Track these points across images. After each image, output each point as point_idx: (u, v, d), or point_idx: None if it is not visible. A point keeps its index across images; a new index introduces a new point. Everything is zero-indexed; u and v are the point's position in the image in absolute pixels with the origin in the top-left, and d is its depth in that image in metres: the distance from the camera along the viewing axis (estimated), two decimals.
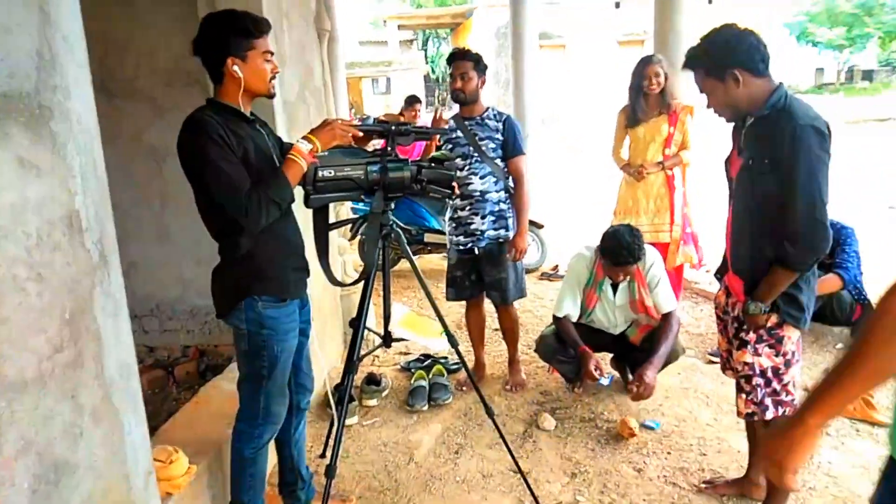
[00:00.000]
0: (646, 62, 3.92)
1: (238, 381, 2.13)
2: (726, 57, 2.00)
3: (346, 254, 4.31)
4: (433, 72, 29.55)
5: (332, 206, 2.37)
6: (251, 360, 2.05)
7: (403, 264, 5.59)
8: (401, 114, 6.79)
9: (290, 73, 3.21)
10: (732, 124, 2.24)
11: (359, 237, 5.90)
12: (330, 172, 2.03)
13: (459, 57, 3.21)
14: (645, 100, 3.95)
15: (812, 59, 28.55)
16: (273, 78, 2.01)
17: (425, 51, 30.42)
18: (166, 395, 3.50)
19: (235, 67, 1.90)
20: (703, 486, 2.55)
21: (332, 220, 2.32)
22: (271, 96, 2.06)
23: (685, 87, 4.65)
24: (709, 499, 2.49)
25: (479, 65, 3.22)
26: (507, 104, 15.19)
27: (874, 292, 3.92)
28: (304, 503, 2.42)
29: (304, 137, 1.98)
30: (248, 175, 1.87)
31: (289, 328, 2.07)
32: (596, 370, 3.02)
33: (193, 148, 1.85)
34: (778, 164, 1.91)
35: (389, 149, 2.19)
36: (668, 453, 2.82)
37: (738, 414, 2.21)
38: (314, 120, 3.42)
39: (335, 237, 4.01)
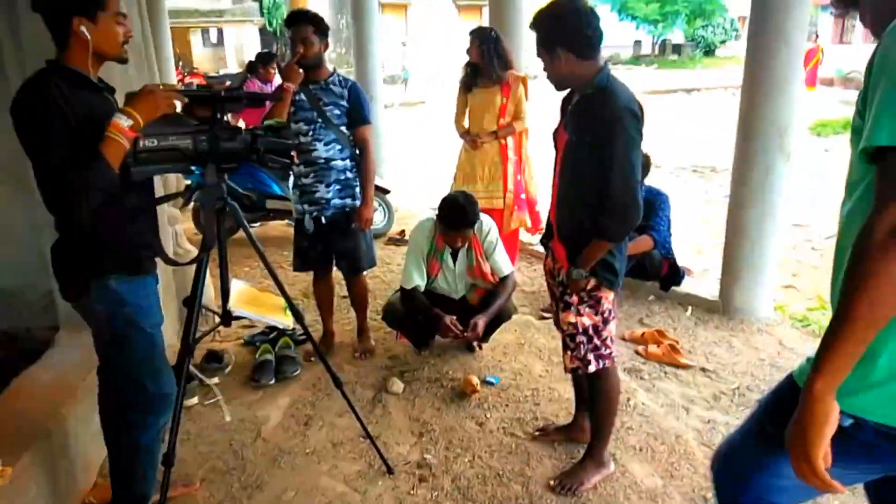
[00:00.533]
0: (471, 34, 4.11)
1: (106, 369, 2.00)
2: (552, 34, 2.13)
3: (177, 224, 4.03)
4: (270, 24, 27.94)
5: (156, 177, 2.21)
6: (122, 344, 1.92)
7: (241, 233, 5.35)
8: (254, 71, 6.42)
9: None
10: (562, 96, 2.39)
11: (192, 204, 5.56)
12: (152, 142, 1.86)
13: (299, 20, 3.07)
14: (474, 70, 4.12)
15: (631, 32, 31.02)
16: (126, 42, 1.85)
17: (260, 2, 28.64)
18: None
19: (83, 28, 1.73)
20: (537, 433, 2.79)
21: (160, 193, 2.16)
22: (123, 61, 1.90)
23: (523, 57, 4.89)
24: (542, 445, 2.72)
25: (319, 28, 3.11)
26: (350, 63, 14.86)
27: (680, 251, 4.45)
28: None
29: (122, 111, 1.75)
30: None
31: (150, 303, 1.96)
32: (453, 326, 3.17)
33: (31, 117, 1.68)
34: (597, 143, 2.08)
35: (219, 116, 2.07)
36: (507, 405, 3.03)
37: (565, 369, 2.43)
38: (134, 80, 3.11)
39: (164, 207, 3.73)
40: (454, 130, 4.42)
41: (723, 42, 30.49)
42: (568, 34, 2.11)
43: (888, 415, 1.12)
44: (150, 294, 1.97)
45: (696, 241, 5.60)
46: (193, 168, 2.15)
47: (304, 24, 3.06)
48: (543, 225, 4.83)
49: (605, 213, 2.12)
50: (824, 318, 3.92)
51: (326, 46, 3.18)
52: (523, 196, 4.36)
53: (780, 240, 3.93)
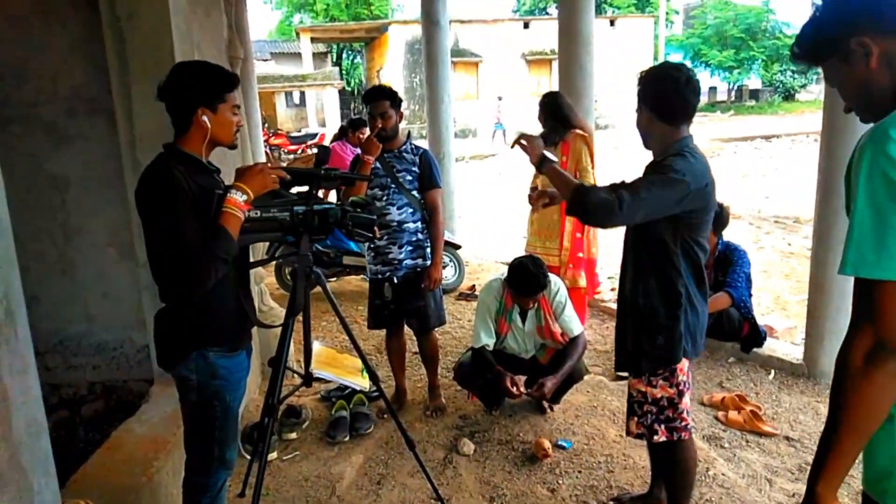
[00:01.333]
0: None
1: (186, 432, 2.09)
2: (643, 91, 2.22)
3: (262, 282, 4.26)
4: (348, 84, 29.42)
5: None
6: (202, 410, 2.01)
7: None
8: (344, 135, 6.77)
9: None
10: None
11: (274, 261, 5.85)
12: (255, 213, 2.03)
13: (376, 97, 3.29)
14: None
15: (705, 79, 30.68)
16: (237, 131, 2.03)
17: (339, 64, 30.26)
18: (74, 437, 3.34)
19: (205, 118, 1.90)
20: (611, 503, 2.72)
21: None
22: (234, 147, 2.08)
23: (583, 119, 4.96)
24: None
25: (395, 101, 3.32)
26: (424, 119, 15.29)
27: (762, 307, 4.30)
28: None
29: (236, 187, 1.91)
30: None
31: (241, 377, 2.07)
32: (513, 386, 3.17)
33: (157, 200, 1.83)
34: None
35: (315, 192, 2.23)
36: (579, 472, 2.98)
37: (628, 433, 2.38)
38: (232, 153, 3.39)
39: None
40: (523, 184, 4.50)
41: (803, 86, 29.67)
42: (656, 95, 2.18)
43: None
44: (242, 369, 2.08)
45: (778, 296, 5.39)
46: (285, 237, 2.30)
47: (382, 99, 3.27)
48: (602, 286, 4.81)
49: None
50: None
51: (401, 117, 3.38)
52: (580, 255, 4.31)
53: None
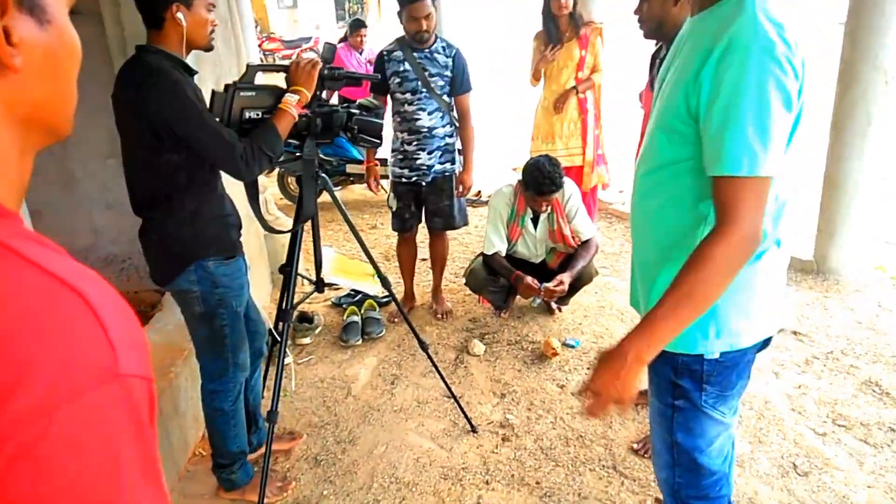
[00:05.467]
0: None
1: (196, 343, 2.12)
2: None
3: (266, 191, 4.21)
4: None
5: None
6: (210, 321, 2.03)
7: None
8: (345, 38, 6.49)
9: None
10: (650, 56, 2.31)
11: (276, 170, 5.76)
12: (256, 114, 1.95)
13: None
14: (555, 23, 3.98)
15: None
16: (213, 31, 1.93)
17: None
18: None
19: (180, 14, 1.79)
20: None
21: None
22: (209, 49, 1.97)
23: (590, 11, 4.71)
24: (625, 408, 2.73)
25: None
26: None
27: None
28: (255, 446, 2.49)
29: (291, 90, 1.96)
30: None
31: (242, 283, 2.08)
32: (532, 286, 3.18)
33: (171, 101, 1.76)
34: None
35: (318, 93, 2.13)
36: (587, 369, 3.05)
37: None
38: (222, 53, 3.24)
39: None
40: (529, 86, 4.34)
41: None
42: None
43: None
44: (242, 275, 2.08)
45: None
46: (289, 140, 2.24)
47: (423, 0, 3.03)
48: (614, 182, 4.75)
49: None
50: None
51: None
52: (601, 152, 4.27)
53: (883, 194, 3.67)
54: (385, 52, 3.21)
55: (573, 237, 3.33)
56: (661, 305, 1.18)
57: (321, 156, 5.49)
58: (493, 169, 6.80)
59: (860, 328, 3.24)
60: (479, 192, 5.83)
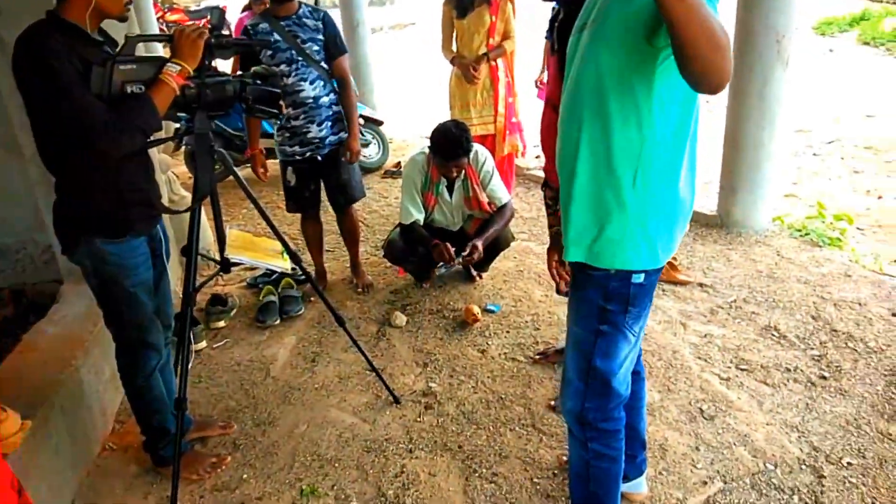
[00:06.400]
0: None
1: (103, 318, 2.09)
2: None
3: (169, 170, 4.00)
4: None
5: None
6: (105, 296, 2.02)
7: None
8: (249, 6, 6.17)
9: None
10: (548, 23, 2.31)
11: (184, 148, 5.50)
12: (139, 88, 1.83)
13: None
14: None
15: None
16: (128, 6, 1.85)
17: None
18: None
19: None
20: (538, 357, 2.86)
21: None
22: (123, 19, 1.87)
23: None
24: (543, 368, 2.80)
25: None
26: None
27: None
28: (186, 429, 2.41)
29: (172, 60, 1.84)
30: None
31: (136, 262, 2.00)
32: (447, 253, 3.19)
33: (37, 70, 1.67)
34: None
35: (207, 62, 2.01)
36: (507, 332, 3.10)
37: (558, 292, 2.43)
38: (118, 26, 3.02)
39: (154, 153, 3.69)
40: (441, 53, 4.30)
41: None
42: None
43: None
44: (136, 255, 1.99)
45: None
46: (179, 114, 2.11)
47: None
48: (530, 149, 4.80)
49: None
50: (823, 226, 3.93)
51: None
52: (514, 120, 4.29)
53: (780, 150, 3.86)
54: (250, 27, 3.06)
55: (489, 203, 3.34)
56: None
57: (231, 131, 5.30)
58: (412, 139, 6.75)
59: (761, 277, 3.42)
60: (399, 163, 5.77)
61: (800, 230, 3.91)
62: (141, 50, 2.27)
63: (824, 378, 2.61)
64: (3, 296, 3.44)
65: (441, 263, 3.38)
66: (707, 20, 1.08)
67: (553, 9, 2.44)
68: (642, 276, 1.51)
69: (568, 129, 1.52)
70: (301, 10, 3.08)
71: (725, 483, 2.12)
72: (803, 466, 2.17)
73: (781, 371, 2.67)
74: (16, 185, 3.26)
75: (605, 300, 1.54)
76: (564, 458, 2.24)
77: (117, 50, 1.92)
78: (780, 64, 3.57)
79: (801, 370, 2.66)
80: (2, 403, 1.97)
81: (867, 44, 9.57)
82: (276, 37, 3.01)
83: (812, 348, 2.81)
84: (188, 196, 3.93)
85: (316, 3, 3.24)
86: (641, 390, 1.97)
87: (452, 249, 3.20)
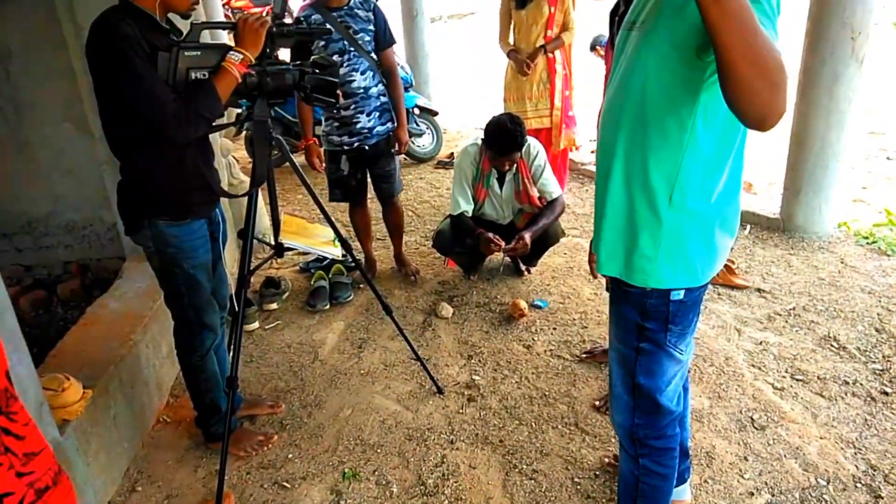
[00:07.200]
0: None
1: (164, 297, 2.17)
2: None
3: (230, 154, 4.11)
4: None
5: None
6: (166, 277, 2.09)
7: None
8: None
9: None
10: (609, 11, 2.27)
11: (244, 132, 5.64)
12: (203, 74, 1.89)
13: None
14: None
15: None
16: (196, 2, 1.93)
17: None
18: (52, 316, 3.35)
19: None
20: (584, 355, 2.82)
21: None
22: (187, 16, 1.96)
23: None
24: (589, 367, 2.77)
25: None
26: None
27: None
28: (235, 407, 2.49)
29: (235, 49, 1.90)
30: None
31: (196, 245, 2.06)
32: (494, 242, 3.15)
33: (109, 54, 1.74)
34: None
35: (269, 51, 2.06)
36: (554, 328, 3.07)
37: (608, 289, 2.40)
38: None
39: (217, 138, 3.80)
40: (498, 44, 4.27)
41: None
42: None
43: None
44: (196, 237, 2.05)
45: (757, 152, 5.34)
46: (241, 101, 2.17)
47: None
48: (583, 143, 4.74)
49: None
50: (892, 234, 3.74)
51: None
52: (571, 113, 4.24)
53: (849, 152, 3.69)
54: (302, 18, 3.08)
55: (539, 198, 3.31)
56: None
57: (290, 118, 5.40)
58: (466, 130, 6.74)
59: (822, 285, 3.29)
60: (452, 153, 5.77)
61: (866, 237, 3.74)
62: (206, 37, 2.33)
63: (886, 394, 2.49)
64: (70, 269, 3.62)
65: (488, 258, 3.37)
66: (749, 32, 0.98)
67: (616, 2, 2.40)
68: (682, 292, 1.43)
69: (608, 126, 1.45)
70: (353, 2, 3.10)
71: (773, 496, 2.06)
72: (858, 485, 2.08)
73: (839, 384, 2.57)
74: (84, 164, 3.41)
75: (642, 318, 1.47)
76: (606, 460, 2.22)
77: (182, 36, 1.99)
78: (855, 62, 3.40)
79: (861, 384, 2.55)
80: (66, 373, 2.08)
81: None
82: (328, 27, 3.04)
83: (874, 361, 2.68)
84: (247, 180, 4.04)
85: None
86: (685, 399, 1.91)
87: (502, 242, 3.18)
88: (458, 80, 9.32)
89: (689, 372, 2.66)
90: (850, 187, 4.22)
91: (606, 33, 3.06)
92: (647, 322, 1.47)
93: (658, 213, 1.36)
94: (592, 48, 5.60)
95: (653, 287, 1.42)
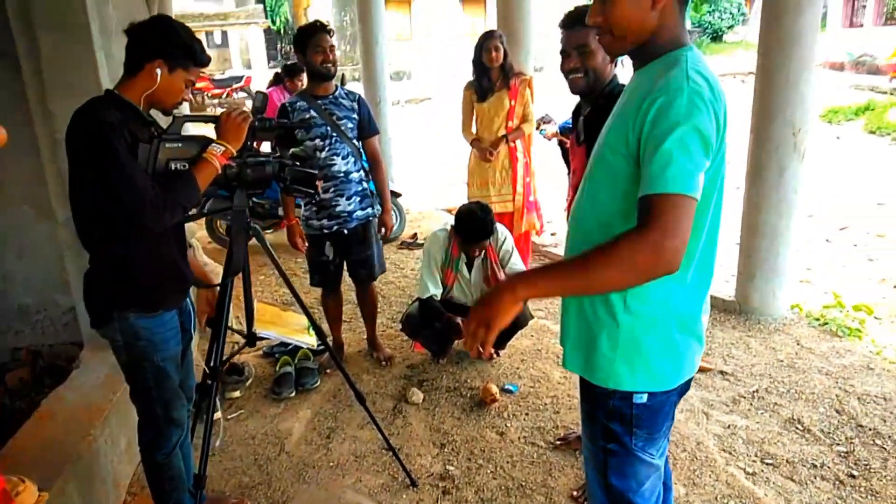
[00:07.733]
0: (486, 37, 4.08)
1: (129, 392, 2.07)
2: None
3: (192, 237, 4.05)
4: (273, 23, 27.89)
5: None
6: (134, 371, 2.00)
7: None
8: (280, 82, 6.39)
9: (118, 48, 2.91)
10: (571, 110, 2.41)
11: (206, 215, 5.59)
12: (182, 165, 1.90)
13: (318, 31, 3.06)
14: (486, 74, 4.10)
15: None
16: (180, 104, 1.97)
17: (263, 1, 28.55)
18: None
19: (158, 70, 1.83)
20: (559, 442, 2.80)
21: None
22: (168, 114, 2.00)
23: (522, 61, 4.89)
24: (564, 454, 2.74)
25: (332, 34, 3.15)
26: (356, 61, 14.68)
27: None
28: None
29: (217, 141, 1.93)
30: None
31: (167, 336, 2.00)
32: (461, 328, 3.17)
33: (92, 140, 1.73)
34: None
35: (250, 143, 2.09)
36: (527, 414, 3.05)
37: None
38: None
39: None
40: (462, 134, 4.43)
41: (730, 27, 29.99)
42: None
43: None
44: (167, 329, 2.00)
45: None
46: (220, 191, 2.18)
47: (324, 33, 3.07)
48: (548, 227, 4.89)
49: None
50: (841, 315, 3.92)
51: None
52: (532, 199, 4.38)
53: (795, 238, 3.91)
54: (288, 104, 3.16)
55: None
56: (560, 263, 1.30)
57: (254, 199, 5.40)
58: (428, 210, 6.86)
59: (781, 367, 3.39)
60: (415, 234, 5.85)
61: (818, 319, 3.90)
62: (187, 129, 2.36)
63: (853, 476, 2.54)
64: (21, 357, 3.44)
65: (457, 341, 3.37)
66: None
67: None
68: (644, 396, 1.39)
69: (571, 227, 1.52)
70: (338, 92, 3.21)
71: None
72: None
73: (808, 467, 2.61)
74: (41, 245, 3.31)
75: (607, 419, 1.44)
76: None
77: (165, 128, 2.01)
78: (797, 155, 3.65)
79: (828, 467, 2.60)
80: (20, 475, 1.94)
81: (873, 133, 9.81)
82: (313, 113, 3.12)
83: (838, 444, 2.75)
84: (211, 263, 3.97)
85: (342, 80, 3.37)
86: (668, 497, 1.82)
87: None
88: (417, 161, 9.56)
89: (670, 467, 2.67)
90: (798, 270, 4.44)
91: (554, 114, 3.27)
92: (611, 424, 1.44)
93: (615, 316, 1.37)
94: (537, 126, 5.80)
95: (613, 388, 1.41)
